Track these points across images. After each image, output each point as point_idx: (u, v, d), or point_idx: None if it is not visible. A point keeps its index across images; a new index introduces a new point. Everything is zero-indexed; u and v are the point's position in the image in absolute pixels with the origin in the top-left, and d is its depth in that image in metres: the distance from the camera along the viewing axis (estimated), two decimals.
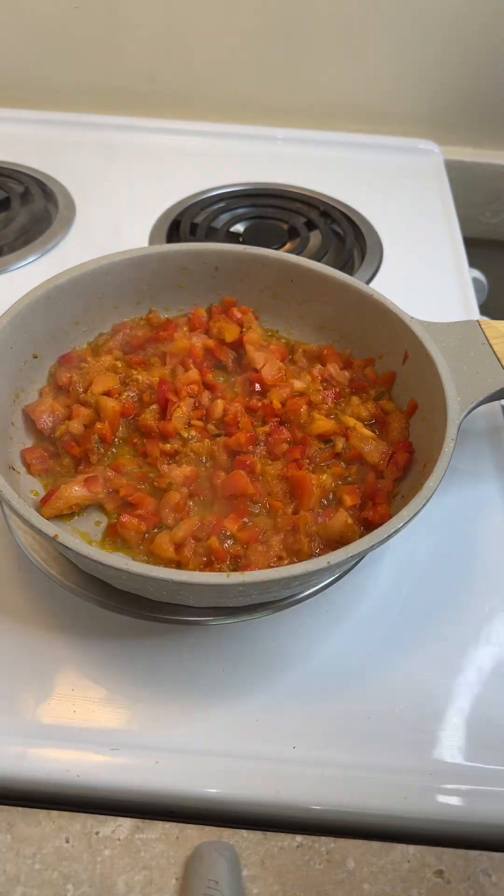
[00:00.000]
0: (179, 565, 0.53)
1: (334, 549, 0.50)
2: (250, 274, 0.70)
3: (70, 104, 1.13)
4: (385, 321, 0.64)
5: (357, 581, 0.58)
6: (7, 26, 1.07)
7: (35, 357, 0.64)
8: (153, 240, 0.90)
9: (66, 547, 0.47)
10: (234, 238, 0.95)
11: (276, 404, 0.62)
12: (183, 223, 0.94)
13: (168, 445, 0.59)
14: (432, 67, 1.08)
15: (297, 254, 0.78)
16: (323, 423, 0.61)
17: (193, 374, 0.64)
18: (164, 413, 0.61)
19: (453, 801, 0.47)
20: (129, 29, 1.07)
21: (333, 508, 0.56)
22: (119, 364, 0.65)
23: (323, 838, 0.45)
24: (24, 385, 0.62)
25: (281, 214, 0.98)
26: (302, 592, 0.56)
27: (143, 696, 0.51)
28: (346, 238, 0.94)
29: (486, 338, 0.63)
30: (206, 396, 0.63)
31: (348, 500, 0.57)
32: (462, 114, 1.13)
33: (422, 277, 0.89)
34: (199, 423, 0.61)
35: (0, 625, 0.54)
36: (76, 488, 0.56)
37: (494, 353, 0.62)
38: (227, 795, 0.47)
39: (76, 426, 0.60)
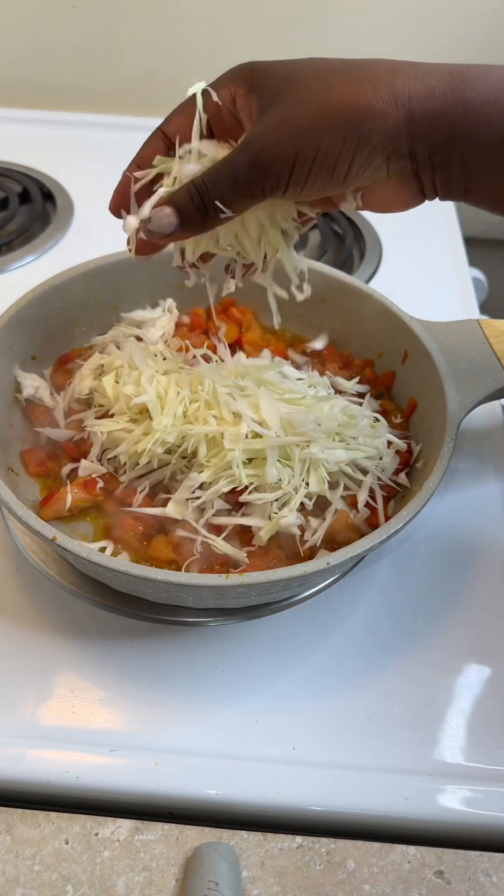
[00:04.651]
0: (178, 566, 0.52)
1: (334, 549, 0.50)
2: None
3: (69, 104, 1.13)
4: (384, 320, 0.64)
5: (357, 581, 0.58)
6: (6, 26, 1.07)
7: (33, 358, 0.63)
8: None
9: (65, 549, 0.47)
10: None
11: None
12: None
13: None
14: None
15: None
16: None
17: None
18: None
19: (453, 801, 0.47)
20: (127, 28, 1.06)
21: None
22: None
23: (323, 839, 0.45)
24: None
25: None
26: (301, 593, 0.56)
27: (142, 697, 0.51)
28: (346, 237, 0.93)
29: (486, 337, 0.63)
30: None
31: (348, 500, 0.57)
32: None
33: (421, 277, 0.89)
34: None
35: None
36: (75, 490, 0.56)
37: (494, 352, 0.62)
38: (227, 796, 0.47)
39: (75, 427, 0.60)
